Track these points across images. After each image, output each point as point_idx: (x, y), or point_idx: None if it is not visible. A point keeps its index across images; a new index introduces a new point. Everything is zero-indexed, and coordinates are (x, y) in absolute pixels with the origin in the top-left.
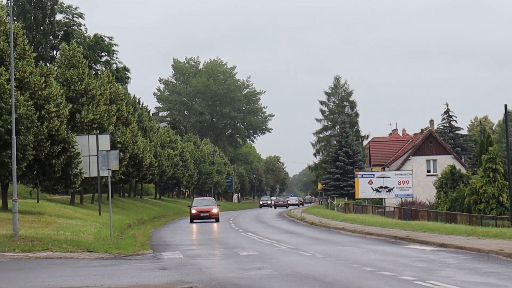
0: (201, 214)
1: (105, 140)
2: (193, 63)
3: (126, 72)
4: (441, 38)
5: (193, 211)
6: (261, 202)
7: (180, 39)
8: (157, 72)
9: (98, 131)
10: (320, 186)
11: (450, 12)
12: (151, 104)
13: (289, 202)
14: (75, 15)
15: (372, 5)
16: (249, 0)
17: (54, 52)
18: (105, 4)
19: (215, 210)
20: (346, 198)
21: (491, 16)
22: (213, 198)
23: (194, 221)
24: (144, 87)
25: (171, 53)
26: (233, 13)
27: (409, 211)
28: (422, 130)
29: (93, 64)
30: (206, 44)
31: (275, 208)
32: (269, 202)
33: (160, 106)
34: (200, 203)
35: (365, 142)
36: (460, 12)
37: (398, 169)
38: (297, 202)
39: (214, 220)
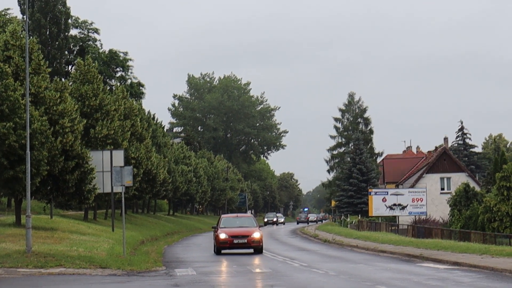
0: (235, 241)
1: (119, 156)
2: (208, 79)
3: (140, 88)
4: (456, 55)
5: (222, 236)
6: (265, 220)
7: (195, 55)
8: (171, 87)
9: (112, 147)
10: (333, 203)
11: (466, 30)
12: (165, 119)
13: (309, 218)
14: (90, 30)
15: (389, 23)
16: (265, 17)
17: (69, 67)
18: (121, 21)
19: (256, 235)
20: (359, 215)
21: (506, 34)
22: (251, 215)
23: (223, 251)
24: (159, 103)
25: (186, 69)
26: (248, 29)
27: (422, 229)
28: (436, 147)
29: (107, 80)
30: (221, 60)
31: (297, 223)
32: (275, 220)
33: (175, 122)
34: (232, 223)
35: (379, 159)
36: (475, 31)
37: (412, 186)
38: (315, 218)
39: (253, 250)
